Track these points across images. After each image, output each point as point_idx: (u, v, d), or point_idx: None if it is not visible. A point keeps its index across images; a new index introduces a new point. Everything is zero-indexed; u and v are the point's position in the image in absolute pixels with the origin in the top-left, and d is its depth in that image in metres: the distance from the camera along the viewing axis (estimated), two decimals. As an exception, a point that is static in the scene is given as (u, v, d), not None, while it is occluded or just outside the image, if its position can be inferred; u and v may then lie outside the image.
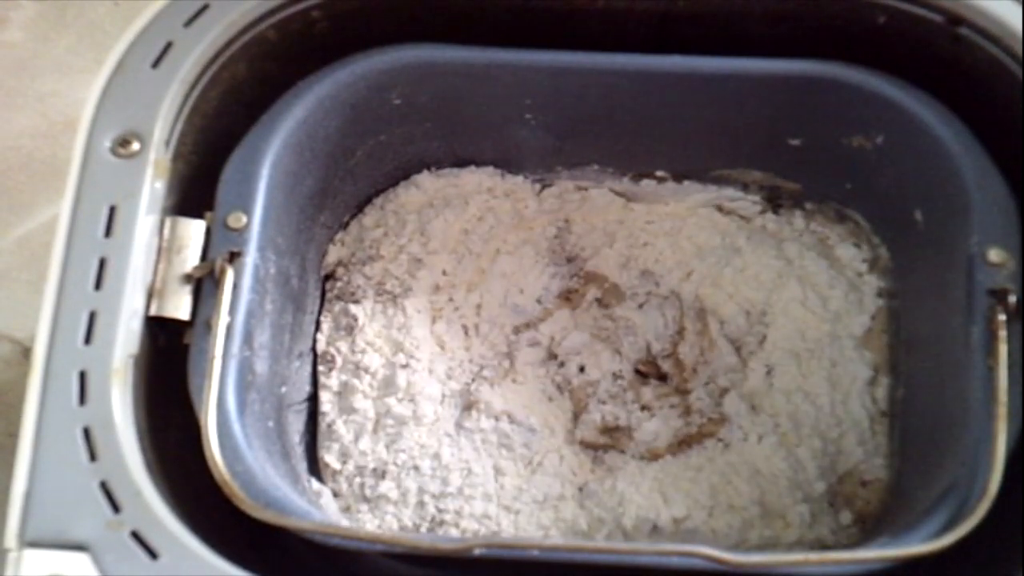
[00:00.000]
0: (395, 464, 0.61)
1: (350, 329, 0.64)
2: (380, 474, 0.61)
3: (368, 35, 0.59)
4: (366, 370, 0.63)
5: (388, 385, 0.63)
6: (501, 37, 0.59)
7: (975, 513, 0.48)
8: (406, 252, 0.65)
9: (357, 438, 0.62)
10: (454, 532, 0.60)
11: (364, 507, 0.61)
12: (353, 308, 0.64)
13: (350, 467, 0.61)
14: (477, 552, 0.48)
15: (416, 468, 0.61)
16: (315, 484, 0.61)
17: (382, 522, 0.60)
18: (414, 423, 0.62)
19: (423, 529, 0.60)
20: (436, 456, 0.61)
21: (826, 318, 0.63)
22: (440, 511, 0.60)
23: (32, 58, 0.92)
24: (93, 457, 0.48)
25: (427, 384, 0.63)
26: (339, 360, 0.64)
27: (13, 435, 0.49)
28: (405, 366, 0.63)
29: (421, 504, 0.60)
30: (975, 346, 0.51)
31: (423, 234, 0.66)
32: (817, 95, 0.58)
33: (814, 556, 0.52)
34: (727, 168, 0.65)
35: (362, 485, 0.61)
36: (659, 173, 0.66)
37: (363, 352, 0.63)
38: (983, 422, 0.50)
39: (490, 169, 0.67)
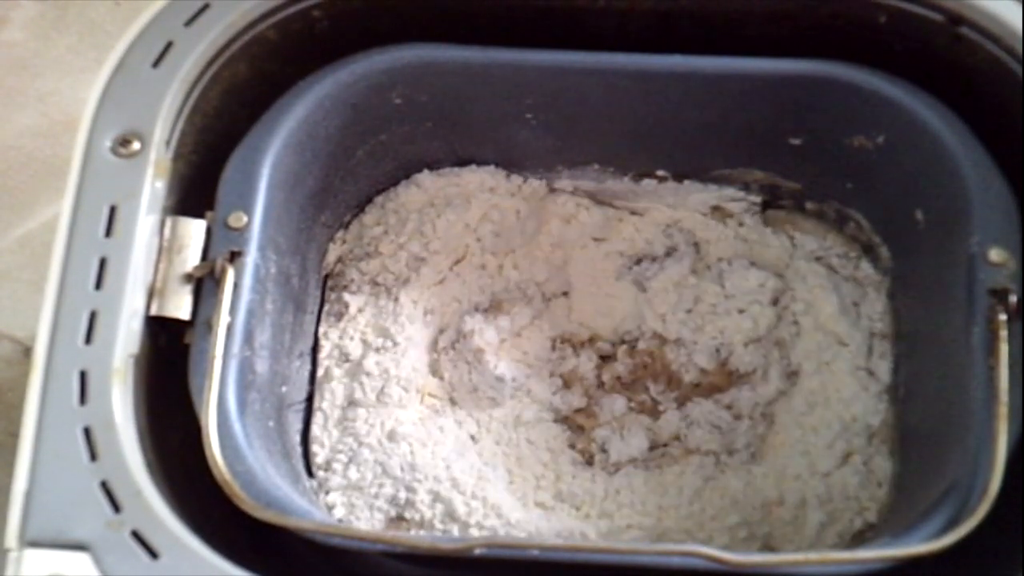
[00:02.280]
0: (349, 452, 0.61)
1: (340, 316, 0.64)
2: (328, 465, 0.61)
3: (368, 35, 0.59)
4: (347, 357, 0.63)
5: (356, 370, 0.63)
6: (502, 37, 0.59)
7: (976, 513, 0.48)
8: (405, 250, 0.66)
9: (324, 427, 0.62)
10: (412, 517, 0.59)
11: (332, 497, 0.60)
12: (346, 296, 0.65)
13: (318, 459, 0.61)
14: (477, 552, 0.48)
15: (372, 457, 0.60)
16: (315, 484, 0.61)
17: (349, 512, 0.60)
18: (375, 407, 0.62)
19: (377, 518, 0.60)
20: (392, 437, 0.61)
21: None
22: (395, 502, 0.60)
23: (33, 57, 0.92)
24: (93, 457, 0.48)
25: (398, 366, 0.63)
26: (327, 347, 0.64)
27: (14, 435, 0.49)
28: (379, 349, 0.63)
29: (376, 496, 0.60)
30: (976, 346, 0.51)
31: (423, 233, 0.66)
32: (818, 95, 0.58)
33: (814, 556, 0.52)
34: (728, 168, 0.65)
35: (321, 475, 0.61)
36: (660, 172, 0.66)
37: (350, 339, 0.64)
38: (984, 422, 0.50)
39: (491, 168, 0.67)
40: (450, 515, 0.59)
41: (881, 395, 0.61)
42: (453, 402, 0.64)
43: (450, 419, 0.63)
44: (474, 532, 0.58)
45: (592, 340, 0.66)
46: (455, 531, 0.59)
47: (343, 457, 0.61)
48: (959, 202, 0.54)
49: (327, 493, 0.60)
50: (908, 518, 0.52)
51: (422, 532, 0.59)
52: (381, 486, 0.60)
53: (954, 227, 0.54)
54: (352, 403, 0.62)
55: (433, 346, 0.65)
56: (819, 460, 0.59)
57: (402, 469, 0.60)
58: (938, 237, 0.57)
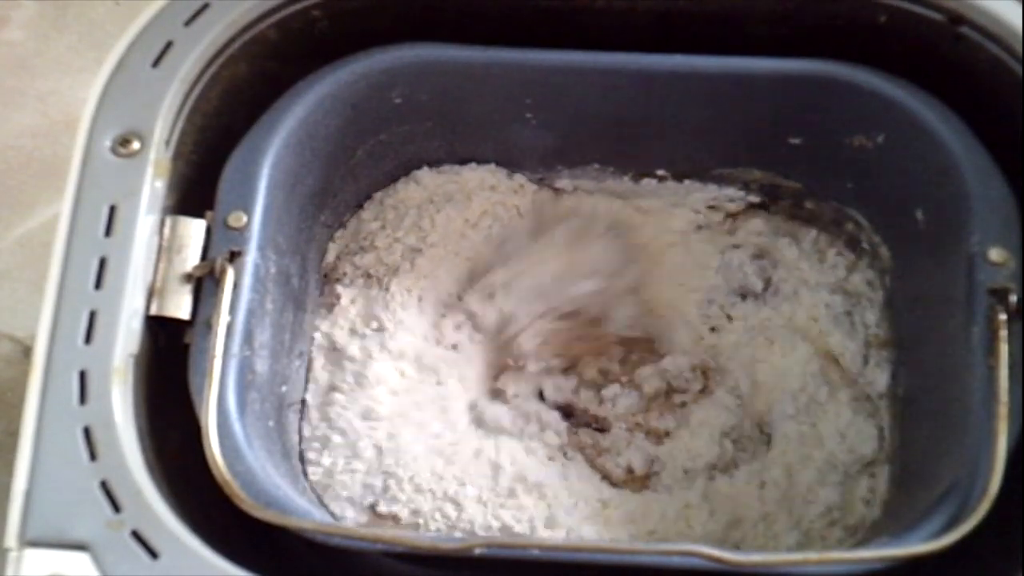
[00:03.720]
0: (323, 439, 0.61)
1: (331, 307, 0.65)
2: (303, 455, 0.61)
3: (369, 34, 0.59)
4: (334, 346, 0.63)
5: (340, 357, 0.63)
6: (502, 36, 0.59)
7: (976, 513, 0.48)
8: (401, 243, 0.66)
9: (307, 419, 0.62)
10: (387, 504, 0.60)
11: (313, 481, 0.61)
12: (339, 288, 0.65)
13: (302, 446, 0.62)
14: (477, 552, 0.48)
15: (342, 441, 0.61)
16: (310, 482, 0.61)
17: (326, 495, 0.60)
18: (353, 390, 0.62)
19: (354, 504, 0.60)
20: (366, 416, 0.61)
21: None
22: (371, 489, 0.60)
23: (33, 57, 0.92)
24: (93, 457, 0.48)
25: (382, 349, 0.63)
26: (317, 338, 0.64)
27: (13, 434, 0.49)
28: (364, 336, 0.63)
29: (349, 482, 0.60)
30: (976, 346, 0.51)
31: (421, 228, 0.66)
32: (818, 94, 0.58)
33: (814, 556, 0.52)
34: (727, 167, 0.65)
35: (310, 468, 0.61)
36: (659, 172, 0.66)
37: (340, 328, 0.64)
38: (984, 422, 0.50)
39: (492, 167, 0.67)
40: (419, 507, 0.59)
41: (873, 415, 0.60)
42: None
43: (429, 394, 0.63)
44: (442, 505, 0.59)
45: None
46: (427, 511, 0.59)
47: (317, 444, 0.61)
48: (959, 202, 0.54)
49: (309, 479, 0.60)
50: (908, 518, 0.52)
51: (395, 511, 0.59)
52: (354, 472, 0.60)
53: (954, 227, 0.54)
54: (332, 388, 0.62)
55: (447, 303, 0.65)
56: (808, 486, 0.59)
57: (377, 451, 0.60)
58: (938, 237, 0.57)
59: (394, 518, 0.59)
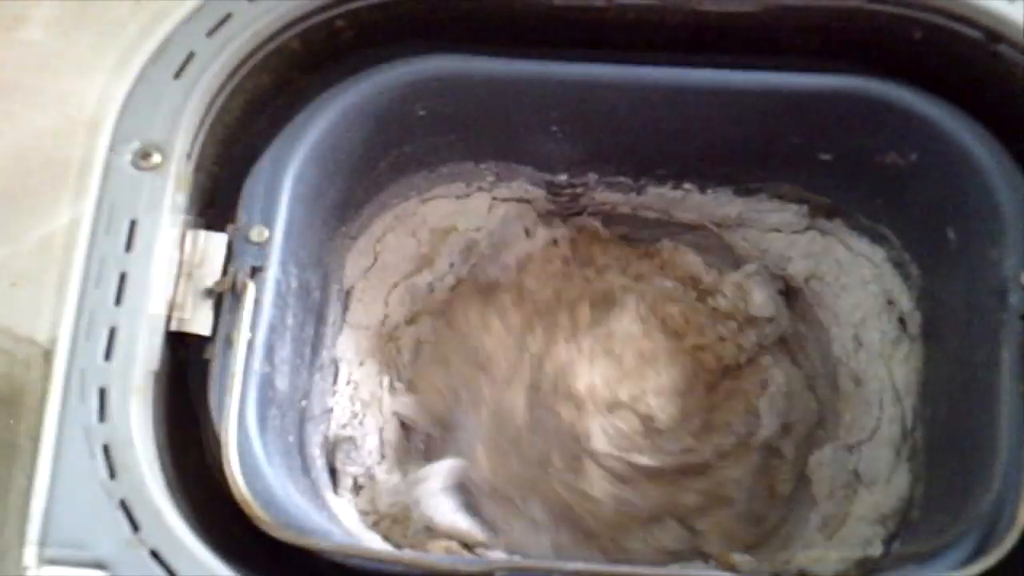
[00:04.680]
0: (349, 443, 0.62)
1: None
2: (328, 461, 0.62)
3: (393, 46, 0.58)
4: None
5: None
6: (528, 45, 0.58)
7: (1004, 542, 0.47)
8: (421, 257, 0.66)
9: (335, 422, 0.63)
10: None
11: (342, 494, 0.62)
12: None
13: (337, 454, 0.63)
14: (497, 574, 0.47)
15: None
16: (335, 497, 0.61)
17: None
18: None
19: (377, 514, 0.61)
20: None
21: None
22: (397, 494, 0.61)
23: (53, 57, 0.91)
24: (113, 475, 0.48)
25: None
26: (348, 353, 0.65)
27: (34, 438, 0.48)
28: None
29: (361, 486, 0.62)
30: (1005, 371, 0.50)
31: (440, 251, 0.65)
32: (850, 111, 0.57)
33: (840, 583, 0.52)
34: (757, 181, 0.64)
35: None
36: (687, 185, 0.65)
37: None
38: (1013, 449, 0.49)
39: (516, 184, 0.66)
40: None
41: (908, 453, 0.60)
42: None
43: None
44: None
45: None
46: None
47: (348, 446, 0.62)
48: (992, 223, 0.53)
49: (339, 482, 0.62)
50: (934, 544, 0.51)
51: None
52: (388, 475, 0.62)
53: (986, 248, 0.54)
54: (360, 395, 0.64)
55: None
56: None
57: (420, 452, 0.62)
58: (969, 257, 0.56)
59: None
